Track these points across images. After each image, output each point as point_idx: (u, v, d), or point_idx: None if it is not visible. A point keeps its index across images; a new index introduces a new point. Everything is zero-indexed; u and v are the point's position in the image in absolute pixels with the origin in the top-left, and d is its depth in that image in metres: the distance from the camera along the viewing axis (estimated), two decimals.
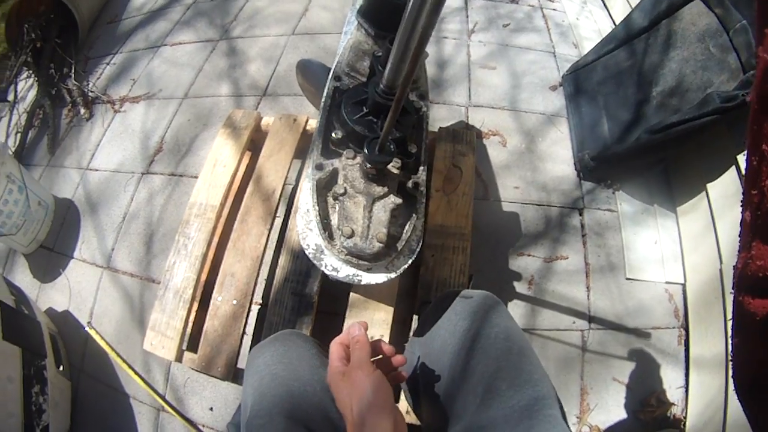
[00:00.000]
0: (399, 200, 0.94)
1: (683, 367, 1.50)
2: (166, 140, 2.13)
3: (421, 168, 1.03)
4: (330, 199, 0.96)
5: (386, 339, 1.21)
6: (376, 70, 0.92)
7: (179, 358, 1.27)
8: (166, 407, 1.54)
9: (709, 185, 1.56)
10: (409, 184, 0.99)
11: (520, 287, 1.63)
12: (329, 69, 1.39)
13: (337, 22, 2.44)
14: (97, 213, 1.99)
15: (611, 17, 2.46)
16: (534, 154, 1.94)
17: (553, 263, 1.69)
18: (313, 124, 1.63)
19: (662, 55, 1.67)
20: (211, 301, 1.31)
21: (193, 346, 1.32)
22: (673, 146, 1.55)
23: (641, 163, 1.76)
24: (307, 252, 0.94)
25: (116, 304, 1.73)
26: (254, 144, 1.68)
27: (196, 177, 1.94)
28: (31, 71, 2.50)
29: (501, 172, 1.88)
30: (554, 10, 2.51)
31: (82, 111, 2.31)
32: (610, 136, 1.78)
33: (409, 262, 0.96)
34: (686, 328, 1.55)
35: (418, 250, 0.98)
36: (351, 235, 0.88)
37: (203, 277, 1.56)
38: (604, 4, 2.54)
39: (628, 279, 1.65)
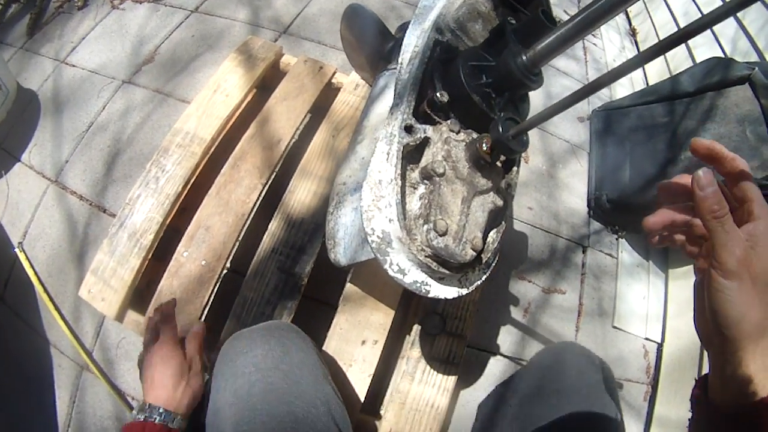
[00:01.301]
0: (501, 201, 0.71)
1: (644, 423, 1.44)
2: (161, 51, 1.74)
3: (515, 168, 0.78)
4: (412, 176, 0.69)
5: (379, 346, 0.99)
6: (510, 41, 0.67)
7: (120, 317, 1.00)
8: (91, 366, 1.24)
9: None
10: (503, 184, 0.75)
11: (515, 312, 1.48)
12: (382, 26, 1.08)
13: None
14: (61, 114, 1.62)
15: (644, 72, 2.33)
16: (552, 180, 1.76)
17: (550, 295, 1.55)
18: (340, 79, 1.29)
19: (699, 124, 1.55)
20: (174, 255, 1.02)
21: (139, 303, 1.04)
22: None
23: None
24: (369, 239, 0.64)
25: (56, 228, 1.41)
26: (266, 83, 1.31)
27: (184, 101, 1.63)
28: None
29: (519, 189, 1.69)
30: (594, 45, 2.35)
31: None
32: (631, 184, 1.64)
33: (484, 278, 0.72)
34: (654, 386, 1.48)
35: (494, 265, 0.75)
36: (444, 233, 0.63)
37: (169, 221, 1.21)
38: None
39: (614, 327, 1.56)
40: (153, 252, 1.18)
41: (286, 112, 1.15)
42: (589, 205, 1.77)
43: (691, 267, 1.65)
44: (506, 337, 1.41)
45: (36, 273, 1.33)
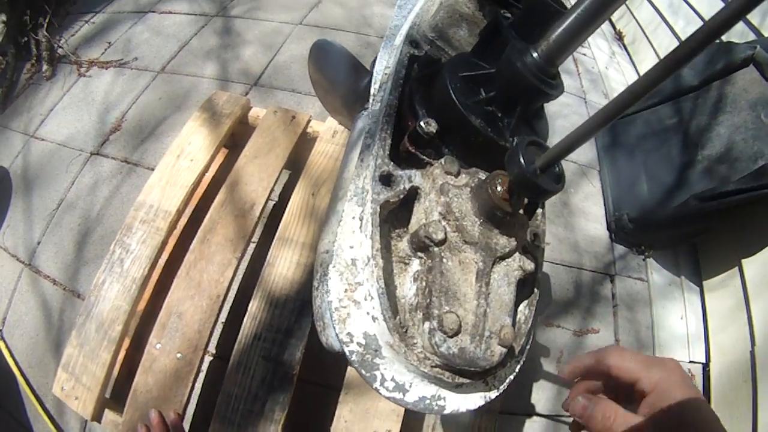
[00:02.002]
0: (531, 264, 0.52)
1: None
2: (128, 118, 1.66)
3: (539, 210, 0.60)
4: (400, 247, 0.50)
5: None
6: (510, 38, 0.50)
7: (97, 417, 0.92)
8: None
9: (745, 261, 1.37)
10: (527, 236, 0.56)
11: (547, 364, 1.34)
12: (354, 60, 0.95)
13: (352, 20, 2.07)
14: (31, 193, 1.54)
15: (638, 73, 2.26)
16: (566, 208, 1.64)
17: (583, 337, 1.41)
18: (316, 127, 1.16)
19: (711, 118, 1.46)
20: (147, 347, 0.92)
21: (119, 399, 0.95)
22: (723, 217, 1.36)
23: (685, 232, 1.49)
24: (345, 348, 0.46)
25: (32, 315, 1.33)
26: (235, 139, 1.20)
27: (152, 169, 1.54)
28: (4, 12, 2.06)
29: None
30: (584, 55, 2.28)
31: (45, 68, 1.88)
32: (650, 198, 1.51)
33: (517, 370, 0.53)
34: None
35: (528, 348, 0.55)
36: (456, 332, 0.44)
37: (140, 307, 1.09)
38: (632, 60, 2.36)
39: None
40: (130, 341, 1.09)
41: (257, 172, 1.02)
42: (609, 229, 1.64)
43: (727, 273, 1.43)
44: (540, 394, 1.26)
45: (17, 363, 1.26)
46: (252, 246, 1.23)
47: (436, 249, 0.46)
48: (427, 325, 0.43)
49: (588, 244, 1.57)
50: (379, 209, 0.47)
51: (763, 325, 1.25)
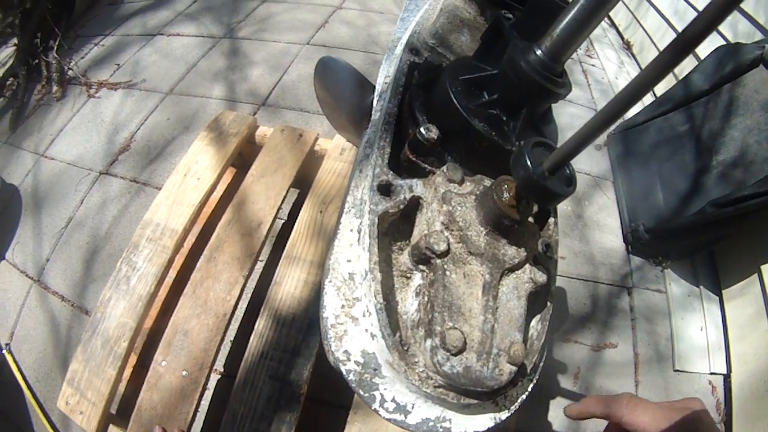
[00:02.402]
0: (543, 276, 0.48)
1: None
2: (137, 138, 1.69)
3: (551, 219, 0.57)
4: (401, 260, 0.47)
5: None
6: (512, 38, 0.47)
7: None
8: None
9: (764, 267, 1.35)
10: (539, 247, 0.52)
11: (564, 381, 1.31)
12: (360, 76, 0.95)
13: (358, 39, 2.10)
14: (41, 211, 1.58)
15: None
16: (581, 220, 1.63)
17: (601, 352, 1.38)
18: (324, 145, 1.17)
19: (723, 122, 1.44)
20: (152, 365, 0.91)
21: (123, 415, 0.95)
22: (741, 222, 1.36)
23: (703, 240, 1.47)
24: (342, 366, 0.43)
25: (40, 330, 1.35)
26: (243, 158, 1.21)
27: (160, 188, 1.55)
28: (15, 35, 2.16)
29: None
30: (593, 66, 2.28)
31: (55, 89, 1.93)
32: (666, 207, 1.49)
33: (530, 388, 0.50)
34: (728, 423, 1.31)
35: (541, 366, 0.52)
36: (461, 349, 0.40)
37: (147, 324, 1.08)
38: (641, 68, 2.30)
39: (675, 371, 1.39)
40: (136, 358, 1.10)
41: (264, 190, 1.03)
42: (625, 240, 1.62)
43: (747, 280, 1.51)
44: (557, 412, 1.23)
45: (24, 377, 1.28)
46: (260, 264, 1.23)
47: (438, 261, 0.43)
48: (429, 342, 0.41)
49: (604, 256, 1.55)
50: (377, 220, 0.44)
51: None
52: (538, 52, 0.43)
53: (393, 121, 0.53)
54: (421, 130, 0.48)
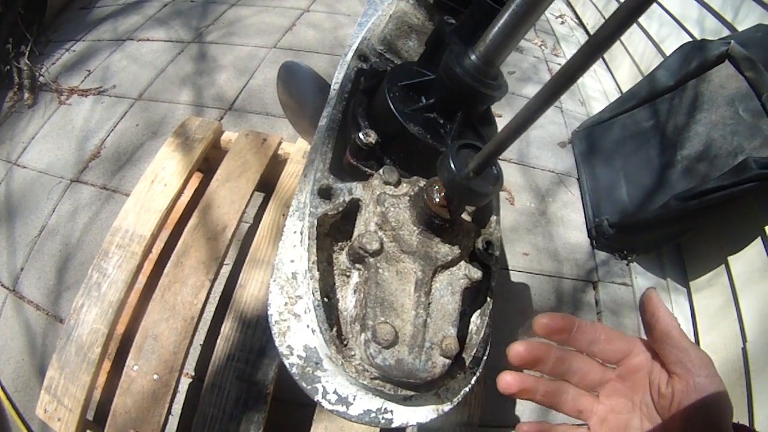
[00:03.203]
0: (478, 272, 0.50)
1: None
2: (107, 145, 1.70)
3: (493, 217, 0.60)
4: (341, 260, 0.50)
5: None
6: (451, 43, 0.51)
7: None
8: None
9: (731, 258, 1.39)
10: (479, 243, 0.54)
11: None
12: (321, 81, 0.98)
13: (325, 42, 2.13)
14: (14, 220, 1.58)
15: (615, 80, 2.30)
16: (544, 217, 1.66)
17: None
18: (287, 149, 1.20)
19: (688, 117, 1.49)
20: (125, 370, 0.93)
21: (100, 420, 0.97)
22: (705, 215, 1.39)
23: (667, 233, 1.51)
24: (285, 360, 0.46)
25: (17, 340, 1.36)
26: (208, 163, 1.23)
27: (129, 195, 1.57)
28: None
29: (509, 235, 1.58)
30: (559, 65, 2.31)
31: (26, 96, 1.93)
32: (630, 202, 1.54)
33: (473, 381, 0.52)
34: None
35: (484, 360, 0.54)
36: (392, 342, 0.43)
37: (119, 330, 1.11)
38: (608, 66, 2.39)
39: None
40: (110, 363, 1.12)
41: (229, 195, 1.06)
42: (590, 236, 1.66)
43: (714, 271, 1.45)
44: (524, 405, 1.25)
45: (2, 387, 1.28)
46: (226, 268, 1.25)
47: (371, 260, 0.45)
48: (362, 336, 0.43)
49: (568, 252, 1.58)
50: (316, 222, 0.47)
51: (754, 321, 1.26)
52: (473, 57, 0.45)
53: (336, 126, 0.55)
54: (360, 135, 0.51)
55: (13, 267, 1.47)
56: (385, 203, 0.48)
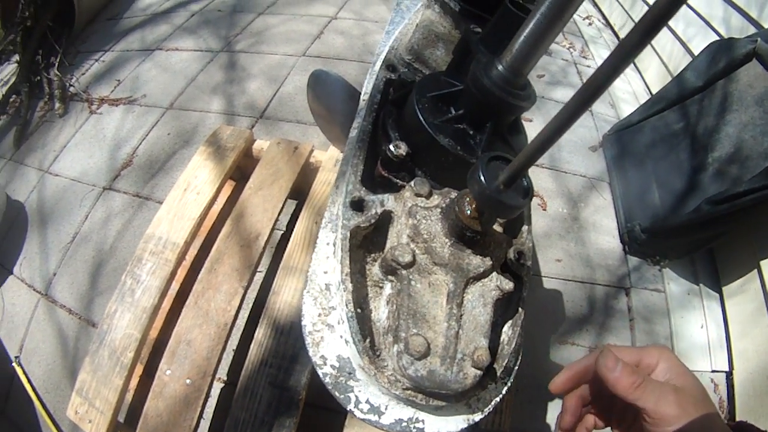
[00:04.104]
0: (510, 284, 0.50)
1: None
2: (138, 153, 1.75)
3: (525, 227, 0.59)
4: (374, 271, 0.50)
5: None
6: (478, 53, 0.50)
7: None
8: None
9: (763, 263, 1.36)
10: (510, 254, 0.54)
11: None
12: (351, 88, 0.99)
13: (354, 48, 2.15)
14: (46, 226, 1.63)
15: (644, 81, 2.26)
16: (577, 222, 1.64)
17: None
18: (319, 156, 1.21)
19: (718, 118, 1.46)
20: (157, 374, 0.95)
21: (131, 423, 0.99)
22: (738, 219, 1.35)
23: (700, 237, 1.47)
24: (319, 370, 0.47)
25: (49, 343, 1.40)
26: (241, 171, 1.25)
27: (162, 203, 1.60)
28: (17, 52, 2.21)
29: (542, 241, 1.56)
30: (588, 67, 2.30)
31: (57, 105, 2.00)
32: (662, 206, 1.51)
33: (504, 391, 0.52)
34: (731, 420, 1.31)
35: (516, 370, 0.54)
36: (424, 354, 0.43)
37: (152, 335, 1.14)
38: (636, 68, 2.34)
39: None
40: (142, 368, 1.14)
41: (262, 203, 1.07)
42: (622, 241, 1.63)
43: (747, 277, 1.41)
44: (554, 414, 1.24)
45: (34, 389, 1.32)
46: (259, 275, 1.27)
47: (403, 272, 0.46)
48: (395, 347, 0.44)
49: (601, 257, 1.57)
50: (349, 234, 0.47)
51: None
52: (500, 67, 0.45)
53: (367, 138, 0.55)
54: (391, 147, 0.51)
55: (45, 272, 1.52)
56: (417, 215, 0.48)
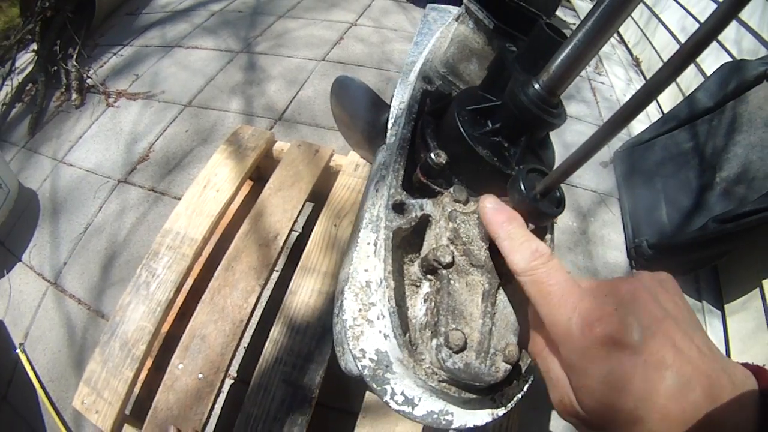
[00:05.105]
0: None
1: None
2: (155, 148, 1.75)
3: (548, 236, 0.62)
4: (412, 271, 0.53)
5: None
6: (513, 71, 0.53)
7: (116, 431, 0.94)
8: None
9: (765, 282, 1.38)
10: None
11: None
12: (374, 96, 1.01)
13: (373, 56, 2.16)
14: (58, 216, 1.64)
15: (656, 100, 2.28)
16: (585, 236, 1.65)
17: None
18: (339, 161, 1.23)
19: (727, 139, 1.48)
20: (169, 367, 0.95)
21: (138, 415, 0.97)
22: (742, 238, 1.36)
23: (705, 255, 1.48)
24: (358, 363, 0.50)
25: (55, 331, 1.39)
26: (260, 172, 1.26)
27: (178, 198, 1.63)
28: (35, 41, 2.22)
29: None
30: (602, 83, 2.31)
31: (74, 96, 2.00)
32: (670, 223, 1.53)
33: (525, 388, 0.54)
34: None
35: (536, 368, 0.57)
36: (462, 348, 0.46)
37: (164, 329, 1.14)
38: None
39: None
40: (153, 361, 1.13)
41: (281, 203, 1.08)
42: (629, 256, 1.64)
43: (749, 295, 1.43)
44: (559, 422, 1.23)
45: (37, 376, 1.32)
46: (275, 274, 1.28)
47: (444, 271, 0.49)
48: (434, 341, 0.46)
49: (608, 271, 1.57)
50: (391, 235, 0.51)
51: None
52: (536, 86, 0.48)
53: (407, 145, 0.58)
54: (432, 155, 0.53)
55: (56, 261, 1.52)
56: (457, 220, 0.51)
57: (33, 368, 1.33)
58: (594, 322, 0.29)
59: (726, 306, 1.51)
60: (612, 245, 1.64)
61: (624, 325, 0.28)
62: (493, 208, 0.41)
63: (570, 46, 0.43)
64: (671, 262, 1.55)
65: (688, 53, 0.26)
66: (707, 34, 0.25)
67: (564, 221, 1.66)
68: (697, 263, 1.54)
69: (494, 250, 0.50)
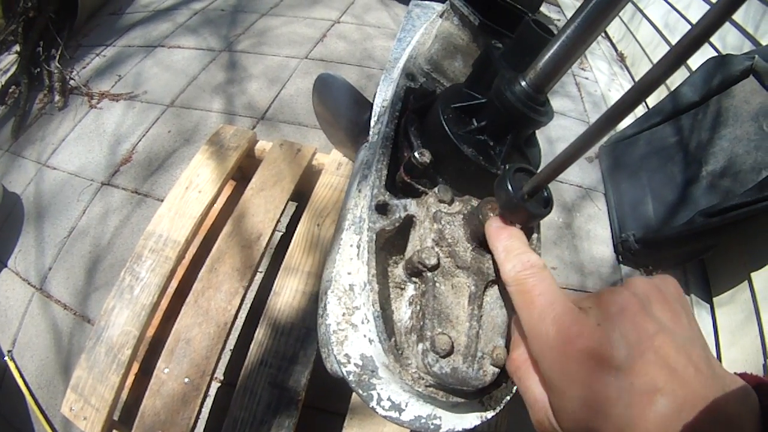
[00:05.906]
0: None
1: None
2: (138, 150, 1.73)
3: (535, 235, 0.61)
4: (396, 273, 0.52)
5: None
6: (500, 68, 0.52)
7: None
8: None
9: (753, 274, 1.38)
10: None
11: None
12: (357, 94, 1.00)
13: (355, 54, 2.15)
14: (43, 220, 1.61)
15: None
16: (571, 231, 1.65)
17: None
18: (321, 159, 1.21)
19: (712, 133, 1.49)
20: (155, 372, 0.94)
21: (126, 421, 0.98)
22: (729, 231, 1.37)
23: (692, 249, 1.50)
24: (342, 369, 0.48)
25: (43, 338, 1.38)
26: (242, 172, 1.25)
27: (161, 200, 1.60)
28: (18, 43, 2.18)
29: None
30: (586, 78, 2.31)
31: (57, 98, 1.97)
32: (656, 217, 1.53)
33: (513, 390, 0.53)
34: None
35: None
36: (449, 352, 0.45)
37: (149, 333, 1.13)
38: (633, 80, 2.40)
39: None
40: (139, 365, 1.13)
41: (264, 203, 1.07)
42: (616, 250, 1.65)
43: (737, 288, 1.42)
44: None
45: (26, 383, 1.31)
46: (259, 275, 1.26)
47: (429, 274, 0.47)
48: (420, 346, 0.45)
49: (594, 266, 1.57)
50: (375, 237, 0.49)
51: None
52: (523, 84, 0.47)
53: (390, 144, 0.57)
54: (416, 154, 0.52)
55: (41, 266, 1.49)
56: (442, 221, 0.50)
57: (22, 375, 1.31)
58: (574, 337, 0.26)
59: (714, 299, 1.53)
60: (598, 240, 1.64)
61: (608, 341, 0.25)
62: (498, 227, 0.41)
63: (558, 44, 0.43)
64: (658, 257, 1.56)
65: (683, 52, 0.25)
66: (703, 32, 0.24)
67: (550, 216, 1.66)
68: (685, 257, 1.55)
69: (480, 251, 0.50)
